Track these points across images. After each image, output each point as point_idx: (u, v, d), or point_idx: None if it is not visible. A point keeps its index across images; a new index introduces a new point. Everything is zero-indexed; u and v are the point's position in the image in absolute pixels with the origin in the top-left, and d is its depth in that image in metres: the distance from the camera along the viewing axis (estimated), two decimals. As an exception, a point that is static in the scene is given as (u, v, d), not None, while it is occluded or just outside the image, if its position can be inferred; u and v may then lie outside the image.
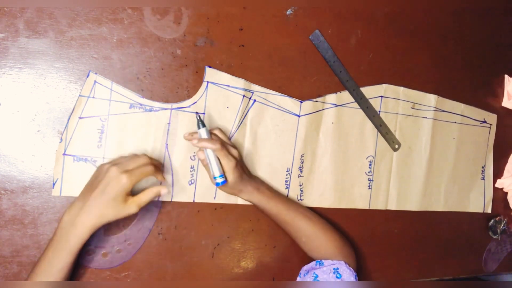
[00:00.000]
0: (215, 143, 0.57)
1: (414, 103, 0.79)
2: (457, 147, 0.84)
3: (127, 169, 0.53)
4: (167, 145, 0.63)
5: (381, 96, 0.76)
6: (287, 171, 0.70)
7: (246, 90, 0.66)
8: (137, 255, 0.62)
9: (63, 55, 0.57)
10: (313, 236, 0.66)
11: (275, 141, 0.69)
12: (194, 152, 0.64)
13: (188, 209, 0.65)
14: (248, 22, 0.66)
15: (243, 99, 0.66)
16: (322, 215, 0.71)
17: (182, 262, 0.65)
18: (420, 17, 0.78)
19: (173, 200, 0.64)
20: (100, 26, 0.58)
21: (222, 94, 0.65)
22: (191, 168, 0.64)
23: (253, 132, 0.67)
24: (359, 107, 0.74)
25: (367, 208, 0.77)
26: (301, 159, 0.71)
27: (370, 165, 0.76)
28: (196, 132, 0.60)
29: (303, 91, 0.70)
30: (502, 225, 0.89)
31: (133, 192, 0.55)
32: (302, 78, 0.70)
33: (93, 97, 0.59)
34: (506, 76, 0.89)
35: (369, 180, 0.76)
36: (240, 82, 0.66)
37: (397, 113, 0.78)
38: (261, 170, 0.68)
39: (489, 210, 0.89)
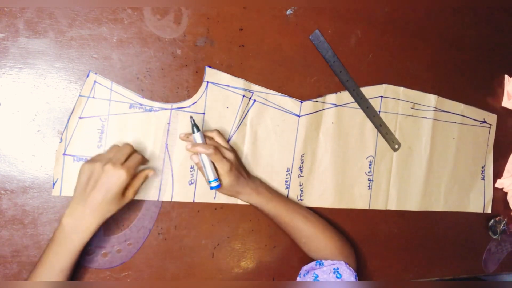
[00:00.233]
0: (208, 148, 0.57)
1: (414, 103, 0.79)
2: (457, 147, 0.84)
3: (122, 163, 0.53)
4: (167, 145, 0.63)
5: (381, 96, 0.76)
6: (287, 171, 0.70)
7: (246, 90, 0.66)
8: (137, 255, 0.62)
9: (63, 55, 0.57)
10: (312, 236, 0.66)
11: (275, 141, 0.69)
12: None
13: (188, 209, 0.65)
14: (248, 22, 0.66)
15: (243, 99, 0.66)
16: (322, 215, 0.71)
17: (182, 262, 0.65)
18: (420, 17, 0.78)
19: (173, 200, 0.64)
20: (100, 26, 0.58)
21: (222, 94, 0.65)
22: (191, 168, 0.64)
23: (253, 132, 0.67)
24: (359, 107, 0.74)
25: (367, 208, 0.77)
26: (301, 159, 0.71)
27: (370, 165, 0.76)
28: (191, 133, 0.60)
29: (303, 91, 0.70)
30: (502, 225, 0.89)
31: None
32: (302, 78, 0.70)
33: (93, 97, 0.59)
34: (506, 76, 0.89)
35: (369, 180, 0.76)
36: (240, 82, 0.66)
37: (397, 113, 0.78)
38: (261, 170, 0.68)
39: (489, 210, 0.89)
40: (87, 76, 0.58)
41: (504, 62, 0.89)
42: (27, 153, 0.57)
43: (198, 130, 0.59)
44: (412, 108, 0.79)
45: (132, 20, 0.60)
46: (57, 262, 0.52)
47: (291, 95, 0.69)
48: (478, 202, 0.88)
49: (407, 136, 0.79)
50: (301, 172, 0.71)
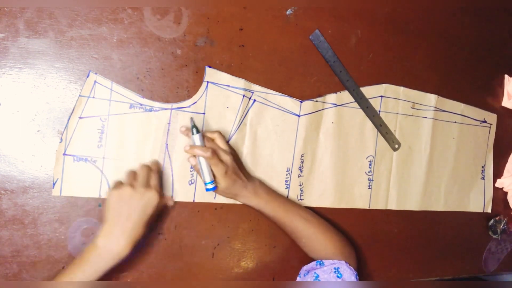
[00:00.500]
0: (206, 151, 0.57)
1: (414, 103, 0.79)
2: (457, 147, 0.84)
3: (151, 185, 0.57)
4: (167, 145, 0.63)
5: (381, 96, 0.76)
6: (287, 171, 0.70)
7: (246, 90, 0.66)
8: (137, 255, 0.62)
9: (63, 55, 0.57)
10: (312, 237, 0.66)
11: (275, 141, 0.69)
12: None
13: (188, 209, 0.65)
14: (248, 22, 0.66)
15: (243, 99, 0.66)
16: (322, 215, 0.71)
17: (182, 262, 0.65)
18: (420, 17, 0.78)
19: (173, 200, 0.64)
20: (100, 26, 0.58)
21: (222, 94, 0.65)
22: (191, 168, 0.64)
23: (253, 132, 0.67)
24: (359, 107, 0.74)
25: (367, 208, 0.77)
26: (301, 159, 0.71)
27: (370, 165, 0.76)
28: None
29: (303, 91, 0.70)
30: (502, 225, 0.89)
31: None
32: (302, 78, 0.70)
33: (93, 97, 0.59)
34: (506, 76, 0.89)
35: (369, 180, 0.76)
36: (240, 82, 0.66)
37: (397, 113, 0.78)
38: (261, 170, 0.68)
39: (489, 210, 0.89)
40: (87, 76, 0.58)
41: (504, 62, 0.89)
42: (27, 153, 0.57)
43: (198, 131, 0.59)
44: (412, 108, 0.79)
45: (132, 20, 0.60)
46: (89, 274, 0.53)
47: (291, 95, 0.69)
48: (478, 201, 0.88)
49: (407, 136, 0.79)
50: (301, 172, 0.71)
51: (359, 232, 0.77)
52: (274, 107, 0.69)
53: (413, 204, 0.81)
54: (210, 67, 0.64)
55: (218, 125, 0.65)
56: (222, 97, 0.65)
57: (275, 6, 0.67)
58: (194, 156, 0.59)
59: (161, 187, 0.60)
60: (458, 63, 0.83)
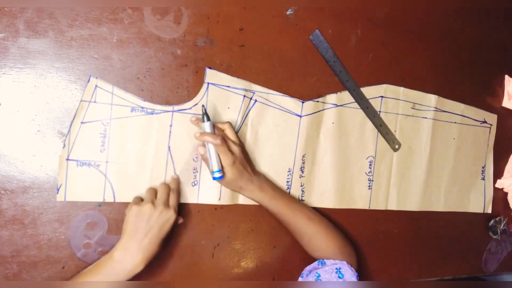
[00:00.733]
0: (216, 138, 0.57)
1: (414, 103, 0.79)
2: (457, 147, 0.84)
3: (170, 204, 0.58)
4: (169, 147, 0.63)
5: (381, 96, 0.76)
6: (289, 171, 0.70)
7: (246, 90, 0.66)
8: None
9: (63, 55, 0.57)
10: (314, 235, 0.66)
11: (276, 142, 0.69)
12: (197, 154, 0.64)
13: (188, 209, 0.65)
14: (248, 22, 0.66)
15: (244, 99, 0.66)
16: (323, 215, 0.71)
17: (182, 262, 0.65)
18: (420, 17, 0.78)
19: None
20: (100, 26, 0.58)
21: (222, 95, 0.65)
22: (194, 169, 0.64)
23: (254, 132, 0.67)
24: (359, 107, 0.74)
25: (367, 208, 0.77)
26: (302, 160, 0.71)
27: (370, 165, 0.76)
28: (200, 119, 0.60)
29: (303, 91, 0.70)
30: (502, 225, 0.89)
31: None
32: (302, 78, 0.70)
33: (95, 102, 0.59)
34: (506, 76, 0.89)
35: (369, 180, 0.76)
36: (240, 83, 0.66)
37: (397, 113, 0.78)
38: (263, 170, 0.68)
39: (489, 210, 0.89)
40: (88, 81, 0.58)
41: (504, 62, 0.89)
42: (27, 153, 0.57)
43: (209, 119, 0.59)
44: (412, 108, 0.79)
45: (132, 20, 0.59)
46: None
47: (291, 95, 0.69)
48: (478, 202, 0.88)
49: (407, 136, 0.79)
50: (303, 172, 0.71)
51: (359, 232, 0.77)
52: (275, 108, 0.68)
53: (413, 204, 0.81)
54: (210, 68, 0.64)
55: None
56: (223, 98, 0.65)
57: (275, 6, 0.67)
58: (203, 146, 0.59)
59: (179, 207, 0.61)
60: (458, 63, 0.83)
